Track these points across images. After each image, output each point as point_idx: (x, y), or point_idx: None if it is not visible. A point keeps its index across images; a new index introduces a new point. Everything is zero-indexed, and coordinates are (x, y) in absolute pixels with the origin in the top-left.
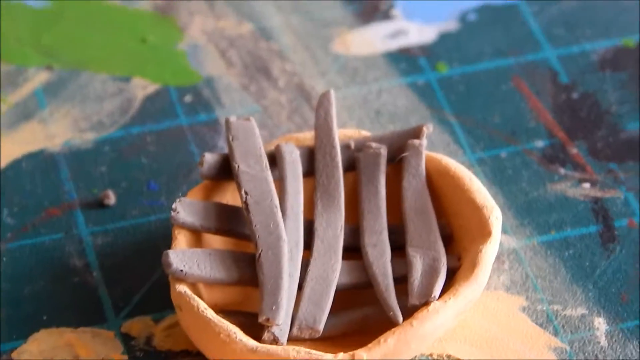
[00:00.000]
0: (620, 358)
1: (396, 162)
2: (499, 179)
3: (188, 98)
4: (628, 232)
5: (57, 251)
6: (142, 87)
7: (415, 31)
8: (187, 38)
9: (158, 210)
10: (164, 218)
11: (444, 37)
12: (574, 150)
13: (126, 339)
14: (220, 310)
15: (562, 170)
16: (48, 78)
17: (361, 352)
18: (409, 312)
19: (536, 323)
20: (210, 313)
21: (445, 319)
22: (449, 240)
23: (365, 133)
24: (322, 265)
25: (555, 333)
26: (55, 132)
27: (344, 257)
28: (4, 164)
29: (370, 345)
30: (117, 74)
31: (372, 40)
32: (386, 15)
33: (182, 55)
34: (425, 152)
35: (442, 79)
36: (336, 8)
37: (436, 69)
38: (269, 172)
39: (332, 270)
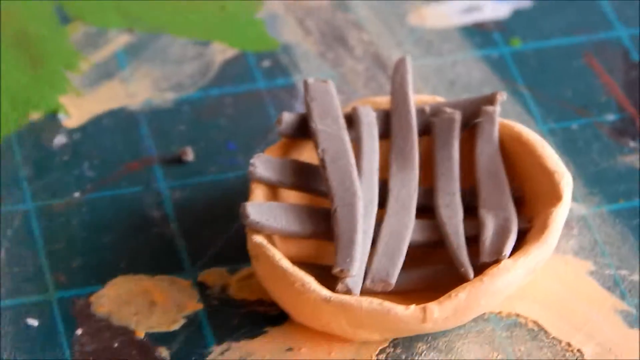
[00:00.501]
0: None
1: (470, 128)
2: (570, 149)
3: (266, 63)
4: None
5: (136, 203)
6: (220, 52)
7: (490, 7)
8: (265, 7)
9: (235, 168)
10: (241, 175)
11: (518, 13)
12: None
13: (202, 288)
14: (295, 263)
15: (632, 143)
16: (129, 40)
17: (432, 306)
18: (479, 270)
19: (603, 287)
20: (285, 263)
21: (515, 277)
22: (520, 203)
23: (439, 99)
24: (395, 222)
25: (622, 297)
26: (136, 91)
27: (418, 217)
28: (85, 119)
29: (441, 298)
30: (197, 38)
31: (447, 14)
32: None
33: (260, 24)
34: (498, 119)
35: (515, 53)
36: None
37: (510, 43)
38: (345, 132)
39: (406, 227)
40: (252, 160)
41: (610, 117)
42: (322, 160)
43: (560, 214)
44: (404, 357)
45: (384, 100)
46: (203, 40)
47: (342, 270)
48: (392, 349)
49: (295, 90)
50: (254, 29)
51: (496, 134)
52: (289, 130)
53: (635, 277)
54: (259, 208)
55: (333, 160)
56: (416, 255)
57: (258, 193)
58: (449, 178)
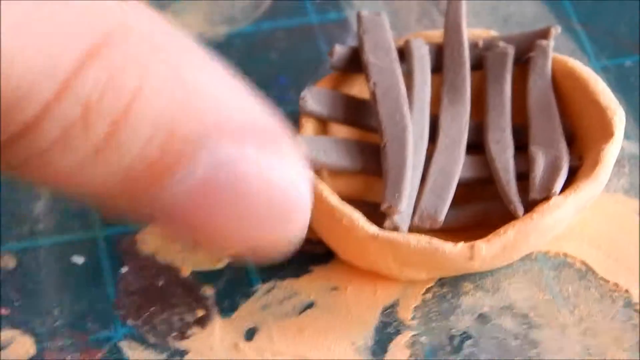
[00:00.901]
0: None
1: (523, 62)
2: (623, 86)
3: None
4: None
5: None
6: None
7: None
8: None
9: (286, 103)
10: (291, 110)
11: None
12: None
13: None
14: (344, 199)
15: None
16: None
17: (480, 243)
18: (529, 207)
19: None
20: (333, 199)
21: (565, 214)
22: (571, 139)
23: (493, 33)
24: (445, 158)
25: None
26: (189, 24)
27: (468, 152)
28: None
29: (489, 236)
30: None
31: None
32: None
33: None
34: (552, 53)
35: None
36: None
37: None
38: (397, 65)
39: (455, 164)
40: (302, 93)
41: None
42: (373, 94)
43: (611, 151)
44: (450, 296)
45: (437, 34)
46: None
47: (390, 207)
48: (438, 288)
49: (347, 24)
50: None
51: (549, 68)
52: (341, 63)
53: None
54: (309, 141)
55: (384, 93)
56: (466, 191)
57: (308, 127)
58: (500, 113)
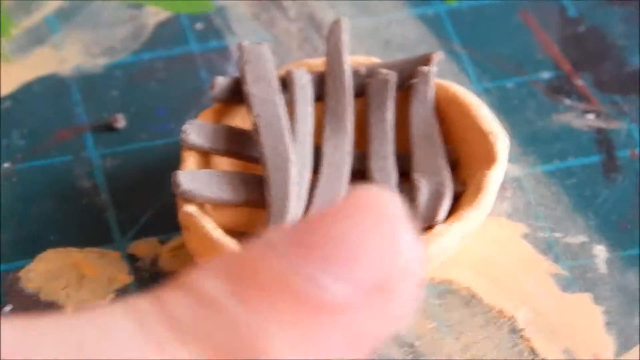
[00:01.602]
0: (619, 285)
1: (405, 89)
2: (505, 108)
3: (199, 26)
4: (630, 163)
5: (67, 173)
6: (154, 14)
7: None
8: None
9: (167, 134)
10: (172, 142)
11: None
12: (579, 82)
13: (132, 260)
14: (227, 232)
15: (567, 101)
16: (60, 5)
17: None
18: None
19: (537, 250)
20: (217, 233)
21: (450, 242)
22: (455, 166)
23: (375, 60)
24: (329, 187)
25: (556, 260)
26: (67, 56)
27: (351, 181)
28: (15, 87)
29: None
30: (129, 1)
31: None
32: None
33: None
34: (434, 79)
35: (451, 11)
36: None
37: (446, 1)
38: (280, 96)
39: (339, 194)
40: (184, 127)
41: (546, 74)
42: (255, 125)
43: (494, 176)
44: None
45: (318, 62)
46: (136, 3)
47: None
48: None
49: (229, 53)
50: None
51: (431, 95)
52: (223, 95)
53: (569, 240)
54: (190, 176)
55: (266, 125)
56: None
57: (190, 161)
58: (383, 141)
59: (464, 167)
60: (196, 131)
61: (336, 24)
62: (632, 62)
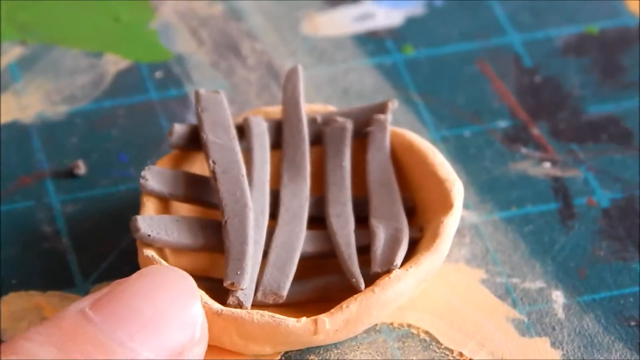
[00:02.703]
0: (577, 330)
1: (362, 137)
2: (462, 157)
3: (159, 74)
4: (587, 210)
5: (29, 218)
6: (114, 63)
7: (383, 14)
8: (158, 17)
9: (127, 180)
10: (133, 188)
11: (410, 21)
12: (535, 131)
13: None
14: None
15: (524, 150)
16: (22, 53)
17: (324, 317)
18: (371, 280)
19: (495, 295)
20: None
21: (407, 286)
22: (411, 212)
23: (331, 108)
24: (287, 233)
25: (514, 305)
26: (28, 103)
27: (309, 227)
28: None
29: (332, 310)
30: (90, 50)
31: (340, 22)
32: None
33: (153, 34)
34: (390, 127)
35: (408, 61)
36: None
37: (403, 51)
38: (236, 143)
39: (297, 238)
40: (143, 173)
41: (503, 123)
42: (212, 172)
43: (451, 223)
44: None
45: (276, 110)
46: (96, 52)
47: (232, 284)
48: None
49: (188, 100)
50: (147, 39)
51: (387, 142)
52: (181, 142)
53: (527, 285)
54: (149, 221)
55: (224, 171)
56: (309, 265)
57: (149, 206)
58: (341, 187)
59: (420, 214)
60: (155, 177)
61: (292, 71)
62: (588, 111)
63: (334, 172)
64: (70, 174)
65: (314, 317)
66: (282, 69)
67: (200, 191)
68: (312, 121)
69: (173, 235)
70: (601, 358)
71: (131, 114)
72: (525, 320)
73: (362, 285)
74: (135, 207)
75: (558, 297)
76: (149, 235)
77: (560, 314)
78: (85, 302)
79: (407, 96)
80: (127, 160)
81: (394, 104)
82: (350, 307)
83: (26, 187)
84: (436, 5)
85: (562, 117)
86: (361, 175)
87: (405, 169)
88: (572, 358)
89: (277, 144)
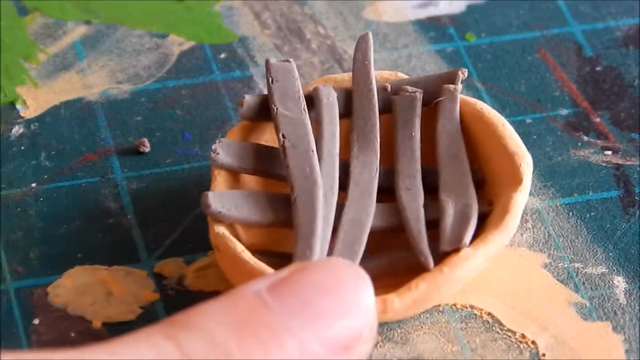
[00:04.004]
0: (639, 315)
1: (432, 106)
2: (524, 143)
3: (223, 55)
4: None
5: (93, 194)
6: (177, 44)
7: (445, 2)
8: (222, 0)
9: (192, 159)
10: (196, 166)
11: (472, 9)
12: (597, 120)
13: (158, 279)
14: (257, 251)
15: (585, 138)
16: (86, 32)
17: (392, 297)
18: (440, 257)
19: (557, 279)
20: (247, 255)
21: (476, 265)
22: (481, 185)
23: (401, 75)
24: (356, 208)
25: (576, 289)
26: (93, 82)
27: (379, 199)
28: (42, 110)
29: (401, 290)
30: (154, 30)
31: (402, 8)
32: None
33: (217, 16)
34: (460, 96)
35: (470, 48)
36: None
37: (464, 38)
38: (306, 115)
39: (367, 214)
40: (214, 147)
41: (564, 111)
42: (282, 147)
43: (520, 199)
44: None
45: (346, 78)
46: (160, 33)
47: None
48: None
49: (252, 82)
50: (210, 21)
51: (457, 113)
52: (251, 113)
53: (589, 270)
54: (220, 197)
55: (293, 145)
56: (376, 239)
57: (220, 180)
58: (411, 159)
59: (489, 187)
60: (225, 150)
61: (363, 39)
62: None
63: (404, 144)
64: (135, 152)
65: (383, 297)
66: (346, 53)
67: (270, 164)
68: (382, 89)
69: (243, 211)
70: None
71: (195, 94)
72: (587, 304)
73: (431, 264)
74: (199, 185)
75: (620, 282)
76: (220, 212)
77: (622, 299)
78: (262, 284)
79: (470, 83)
80: (190, 139)
81: (464, 74)
82: (420, 287)
83: (91, 163)
84: None
85: (623, 106)
86: (430, 144)
87: (475, 139)
88: (633, 342)
89: (346, 112)
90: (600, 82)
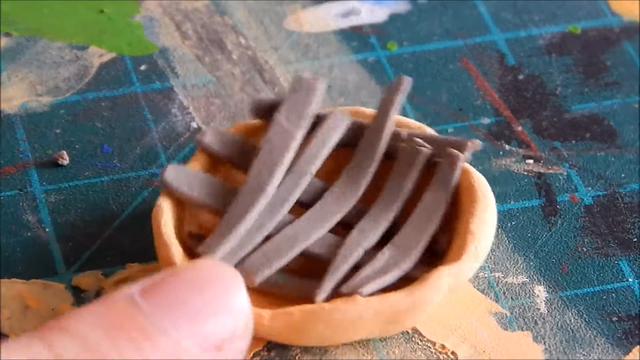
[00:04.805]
0: (559, 324)
1: (431, 164)
2: None
3: (143, 67)
4: (570, 207)
5: (11, 207)
6: (98, 56)
7: (367, 11)
8: (143, 10)
9: (111, 171)
10: (116, 179)
11: (394, 18)
12: (519, 128)
13: (76, 292)
14: (195, 235)
15: (507, 147)
16: (6, 44)
17: (265, 312)
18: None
19: (478, 289)
20: (167, 230)
21: (358, 317)
22: (440, 256)
23: (428, 129)
24: (301, 228)
25: (497, 299)
26: (12, 95)
27: (337, 231)
28: None
29: (278, 310)
30: (74, 42)
31: (324, 18)
32: None
33: (138, 27)
34: (462, 165)
35: (392, 57)
36: None
37: (386, 47)
38: (301, 131)
39: (307, 236)
40: (204, 129)
41: (486, 120)
42: (259, 148)
43: (443, 279)
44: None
45: (368, 113)
46: (80, 44)
47: (204, 251)
48: (266, 352)
49: (172, 93)
50: (131, 32)
51: (453, 179)
52: (259, 112)
53: (509, 280)
54: (178, 171)
55: (269, 151)
56: (318, 266)
57: (195, 164)
58: (388, 207)
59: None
60: (213, 136)
61: (398, 81)
62: (571, 110)
63: (390, 190)
64: (54, 164)
65: (257, 310)
66: (267, 64)
67: (247, 159)
68: (396, 135)
69: (193, 191)
70: (583, 352)
71: (115, 106)
72: (508, 314)
73: (319, 298)
74: (117, 198)
75: (540, 292)
76: (171, 184)
77: (543, 308)
78: (135, 289)
79: None
80: (110, 152)
81: (475, 145)
82: (294, 313)
83: (9, 176)
84: (420, 3)
85: (545, 115)
86: (414, 200)
87: (460, 212)
88: (554, 352)
89: (354, 143)
90: (522, 90)
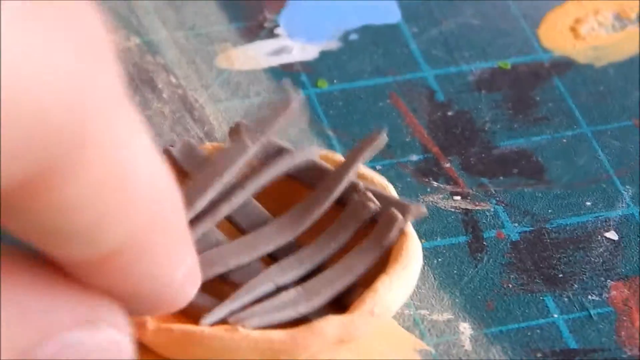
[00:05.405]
0: None
1: (376, 217)
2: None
3: None
4: (496, 243)
5: None
6: None
7: (298, 49)
8: None
9: None
10: None
11: (325, 55)
12: (447, 165)
13: None
14: None
15: (434, 183)
16: None
17: (150, 323)
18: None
19: (403, 327)
20: None
21: (236, 347)
22: (341, 308)
23: (392, 191)
24: (227, 250)
25: (422, 336)
26: None
27: (267, 263)
28: None
29: (162, 324)
30: None
31: (255, 56)
32: (270, 34)
33: None
34: (400, 228)
35: (321, 95)
36: (221, 25)
37: (316, 85)
38: (246, 155)
39: (228, 260)
40: (177, 139)
41: (414, 157)
42: (199, 167)
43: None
44: None
45: (337, 159)
46: None
47: None
48: None
49: None
50: None
51: (389, 238)
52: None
53: (435, 317)
54: None
55: (213, 163)
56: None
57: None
58: (315, 252)
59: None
60: (183, 148)
61: (373, 136)
62: (499, 145)
63: (326, 237)
64: None
65: (146, 318)
66: (197, 102)
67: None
68: (354, 186)
69: None
70: None
71: None
72: (433, 351)
73: (202, 321)
74: None
75: (465, 328)
76: None
77: (468, 345)
78: None
79: (320, 130)
80: None
81: (418, 211)
82: (174, 330)
83: None
84: (351, 40)
85: (474, 151)
86: (348, 249)
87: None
88: None
89: (313, 184)
90: (451, 127)
